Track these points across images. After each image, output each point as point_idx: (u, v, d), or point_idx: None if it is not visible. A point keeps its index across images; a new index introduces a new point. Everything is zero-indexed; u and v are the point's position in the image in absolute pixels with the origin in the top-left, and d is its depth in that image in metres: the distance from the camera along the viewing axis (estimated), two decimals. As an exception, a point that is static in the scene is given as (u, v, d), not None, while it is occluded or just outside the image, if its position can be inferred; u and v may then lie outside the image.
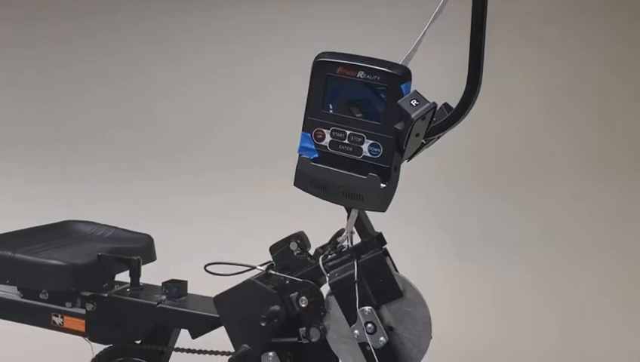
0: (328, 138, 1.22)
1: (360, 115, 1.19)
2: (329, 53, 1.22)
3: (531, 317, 2.65)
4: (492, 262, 2.77)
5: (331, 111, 1.21)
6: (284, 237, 1.38)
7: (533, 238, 2.78)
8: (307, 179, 1.23)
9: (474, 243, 2.81)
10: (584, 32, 2.81)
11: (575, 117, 2.82)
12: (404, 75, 1.17)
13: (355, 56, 1.20)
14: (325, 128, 1.22)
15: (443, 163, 2.52)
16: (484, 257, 2.78)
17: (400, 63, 1.20)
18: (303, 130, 1.24)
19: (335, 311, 1.30)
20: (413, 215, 2.64)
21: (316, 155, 1.23)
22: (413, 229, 2.73)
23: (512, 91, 2.82)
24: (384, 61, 1.19)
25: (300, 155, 1.24)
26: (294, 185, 1.25)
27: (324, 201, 1.24)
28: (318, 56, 1.23)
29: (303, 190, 1.24)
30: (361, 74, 1.18)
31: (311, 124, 1.23)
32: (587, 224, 2.76)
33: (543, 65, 2.83)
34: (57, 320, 1.56)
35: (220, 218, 2.96)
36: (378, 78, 1.17)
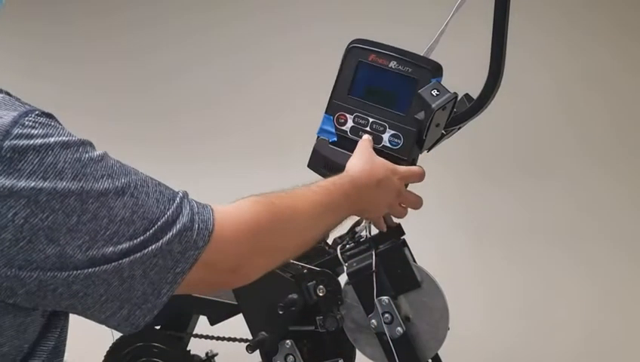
0: (350, 123, 1.22)
1: (386, 104, 1.20)
2: (363, 40, 1.23)
3: (563, 311, 2.59)
4: (521, 250, 2.69)
5: (357, 97, 1.22)
6: (302, 226, 1.38)
7: (568, 225, 2.66)
8: (322, 162, 1.23)
9: (501, 231, 2.73)
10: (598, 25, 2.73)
11: (615, 94, 2.71)
12: (435, 70, 1.18)
13: (390, 46, 1.21)
14: (349, 113, 1.22)
15: (472, 145, 2.45)
16: (512, 246, 2.70)
17: (429, 57, 1.20)
18: (326, 112, 1.24)
19: (352, 300, 1.31)
20: (438, 200, 2.56)
21: (335, 139, 1.23)
22: (439, 214, 2.66)
23: (547, 68, 2.74)
24: (418, 55, 1.20)
25: (318, 137, 1.25)
26: (308, 166, 1.25)
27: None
28: (352, 41, 1.23)
29: (317, 172, 1.24)
30: (393, 64, 1.19)
31: (335, 107, 1.23)
32: (630, 211, 2.65)
33: (578, 44, 2.74)
34: (79, 304, 1.58)
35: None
36: (409, 70, 1.18)
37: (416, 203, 1.19)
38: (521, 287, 2.65)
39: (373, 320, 1.28)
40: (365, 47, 1.21)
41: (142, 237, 0.78)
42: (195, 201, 0.86)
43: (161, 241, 0.79)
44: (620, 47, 2.70)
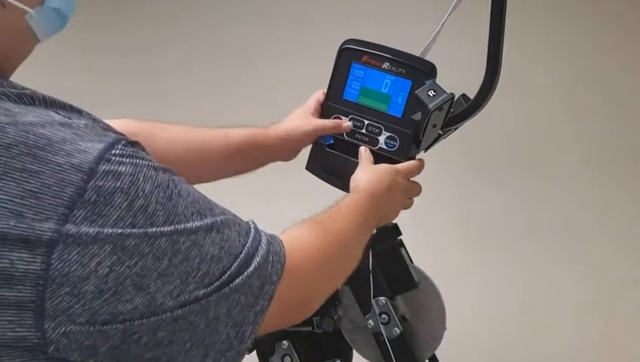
0: None
1: (381, 106, 1.19)
2: (356, 40, 1.22)
3: (562, 311, 2.57)
4: (520, 250, 2.68)
5: (351, 99, 1.21)
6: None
7: (568, 225, 2.64)
8: (319, 165, 1.24)
9: (499, 231, 2.72)
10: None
11: (615, 93, 2.69)
12: (429, 71, 1.17)
13: (383, 46, 1.20)
14: (344, 115, 1.22)
15: (471, 145, 2.43)
16: (511, 246, 2.69)
17: (424, 59, 1.19)
18: (321, 114, 1.24)
19: (349, 300, 1.31)
20: (436, 200, 2.55)
21: (331, 142, 1.23)
22: (437, 214, 2.65)
23: (546, 68, 2.72)
24: (412, 55, 1.19)
25: (315, 140, 1.24)
26: (306, 168, 1.26)
27: (341, 191, 1.24)
28: (345, 42, 1.23)
29: (314, 174, 1.25)
30: (386, 65, 1.18)
31: (330, 109, 1.23)
32: (630, 211, 2.63)
33: (577, 44, 2.72)
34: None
35: (242, 206, 2.94)
36: (403, 71, 1.17)
37: (419, 190, 1.21)
38: (519, 287, 2.64)
39: (370, 321, 1.28)
40: (358, 47, 1.21)
41: (228, 273, 0.71)
42: (263, 231, 0.81)
43: (242, 276, 0.72)
44: (620, 47, 2.70)
